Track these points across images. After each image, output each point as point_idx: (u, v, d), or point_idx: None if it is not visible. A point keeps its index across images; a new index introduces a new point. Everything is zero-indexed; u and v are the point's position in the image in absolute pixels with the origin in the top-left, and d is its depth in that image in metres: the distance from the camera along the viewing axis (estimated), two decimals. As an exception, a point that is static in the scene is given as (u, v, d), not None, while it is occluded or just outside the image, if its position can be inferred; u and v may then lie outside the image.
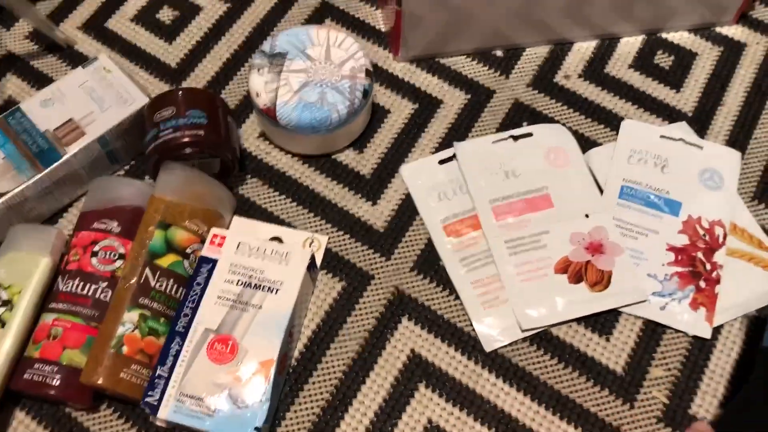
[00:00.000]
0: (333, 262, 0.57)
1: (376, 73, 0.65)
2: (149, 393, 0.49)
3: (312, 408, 0.52)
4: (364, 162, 0.61)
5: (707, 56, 0.66)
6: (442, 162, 0.61)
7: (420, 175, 0.60)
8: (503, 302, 0.55)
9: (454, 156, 0.61)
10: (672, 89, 0.64)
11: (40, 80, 0.65)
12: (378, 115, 0.63)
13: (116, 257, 0.53)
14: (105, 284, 0.52)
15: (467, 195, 0.59)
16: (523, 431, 0.51)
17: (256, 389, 0.48)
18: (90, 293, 0.52)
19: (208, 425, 0.47)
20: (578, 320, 0.55)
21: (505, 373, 0.53)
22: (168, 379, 0.49)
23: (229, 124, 0.57)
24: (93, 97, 0.57)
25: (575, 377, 0.53)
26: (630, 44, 0.66)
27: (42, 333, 0.51)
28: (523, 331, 0.54)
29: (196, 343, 0.50)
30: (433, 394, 0.52)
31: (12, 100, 0.64)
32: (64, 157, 0.55)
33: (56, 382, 0.49)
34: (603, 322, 0.55)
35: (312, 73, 0.58)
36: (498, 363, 0.53)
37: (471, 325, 0.54)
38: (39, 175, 0.54)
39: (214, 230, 0.53)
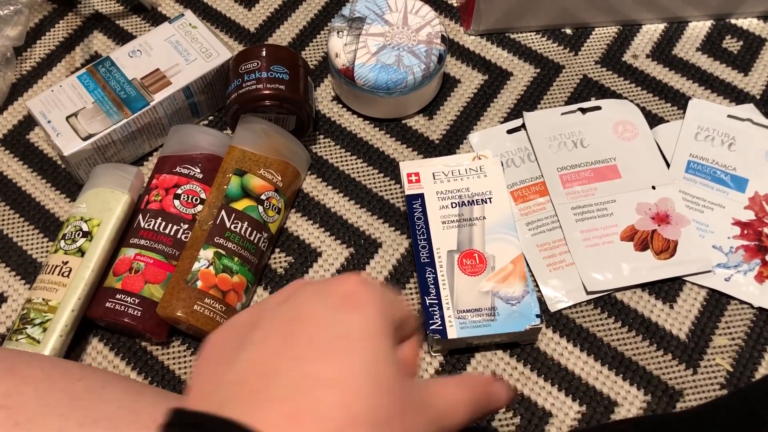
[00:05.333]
0: (401, 220, 0.58)
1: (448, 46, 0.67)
2: (430, 321, 0.52)
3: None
4: (434, 128, 0.63)
5: (776, 43, 0.67)
6: (510, 132, 0.62)
7: (488, 143, 0.62)
8: (568, 266, 0.56)
9: (522, 126, 0.62)
10: (740, 72, 0.65)
11: (125, 38, 0.67)
12: (448, 84, 0.65)
13: (198, 201, 0.55)
14: (186, 226, 0.54)
15: (535, 163, 0.60)
16: (586, 389, 0.52)
17: (518, 284, 0.52)
18: (171, 233, 0.54)
19: (495, 328, 0.51)
20: (642, 287, 0.56)
21: (569, 333, 0.54)
22: (439, 304, 0.52)
23: (308, 83, 0.59)
24: (179, 50, 0.60)
25: (638, 341, 0.54)
26: (698, 28, 0.67)
27: (123, 266, 0.53)
28: (588, 293, 0.55)
29: (446, 266, 0.54)
30: (497, 349, 0.53)
31: (98, 54, 0.66)
32: (151, 104, 0.57)
33: (137, 313, 0.51)
34: (667, 290, 0.55)
35: (390, 37, 0.60)
36: (562, 323, 0.54)
37: (537, 286, 0.55)
38: (126, 120, 0.57)
39: (406, 170, 0.58)
